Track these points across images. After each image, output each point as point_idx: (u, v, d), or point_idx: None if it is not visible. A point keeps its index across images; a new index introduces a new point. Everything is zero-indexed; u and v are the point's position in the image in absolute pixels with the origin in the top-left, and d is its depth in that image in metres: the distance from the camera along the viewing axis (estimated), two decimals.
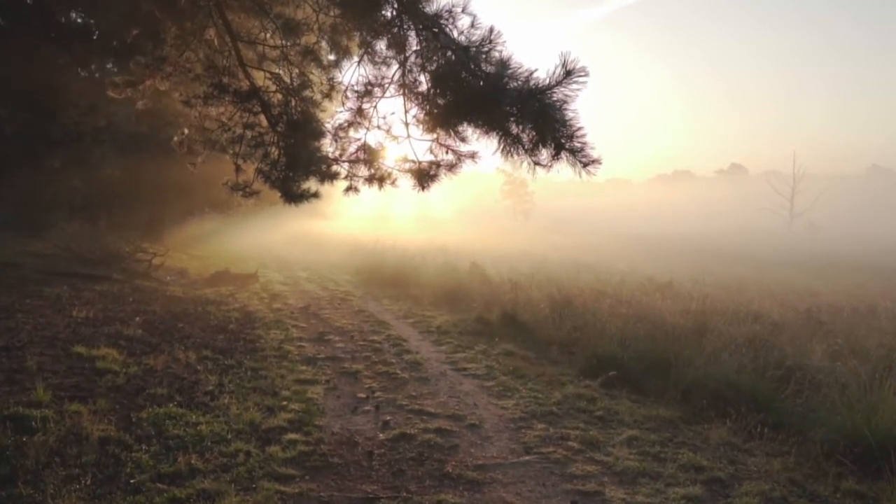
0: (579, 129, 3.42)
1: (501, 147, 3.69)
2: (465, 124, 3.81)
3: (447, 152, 4.92)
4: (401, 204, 56.01)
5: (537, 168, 3.61)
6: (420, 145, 5.10)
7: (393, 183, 5.73)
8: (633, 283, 16.09)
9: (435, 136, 4.72)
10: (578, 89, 3.29)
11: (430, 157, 5.07)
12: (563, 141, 3.37)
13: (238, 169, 6.23)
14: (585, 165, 3.47)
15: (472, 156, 4.90)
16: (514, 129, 3.54)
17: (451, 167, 5.05)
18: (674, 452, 5.01)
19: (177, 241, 22.94)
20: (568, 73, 3.25)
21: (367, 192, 6.73)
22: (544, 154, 3.55)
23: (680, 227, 59.41)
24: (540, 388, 6.80)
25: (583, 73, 3.23)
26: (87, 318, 8.28)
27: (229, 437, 4.87)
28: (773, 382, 7.02)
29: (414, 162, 5.28)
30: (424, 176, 5.10)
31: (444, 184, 5.33)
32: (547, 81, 3.32)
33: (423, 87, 4.39)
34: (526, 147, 3.58)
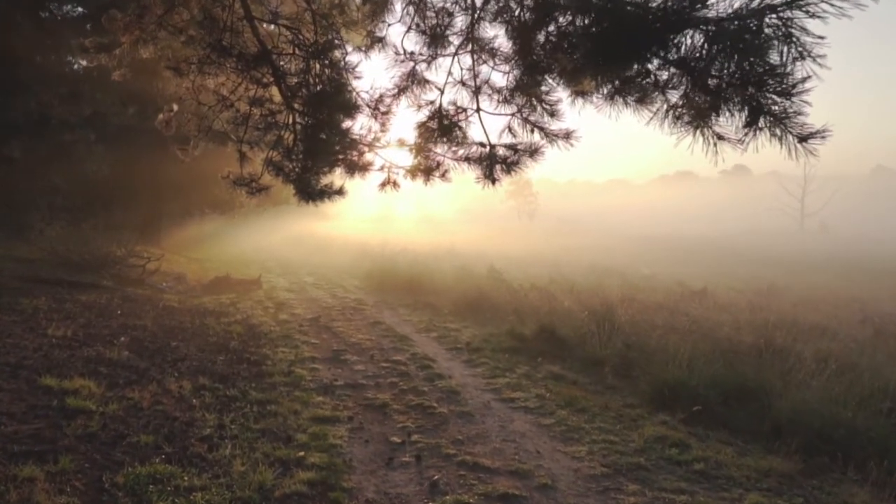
0: (804, 80, 2.10)
1: (663, 113, 2.43)
2: (585, 83, 2.58)
3: (532, 131, 3.64)
4: (403, 204, 54.84)
5: (721, 143, 2.35)
6: (491, 123, 3.79)
7: (443, 175, 4.42)
8: (667, 289, 14.91)
9: (516, 106, 3.48)
10: None
11: (508, 139, 3.77)
12: (763, 101, 2.10)
13: (243, 158, 4.95)
14: (802, 140, 2.19)
15: (567, 136, 3.59)
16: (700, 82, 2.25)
17: (534, 152, 3.76)
18: None
19: (173, 244, 21.68)
20: None
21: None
22: (726, 122, 2.30)
23: (688, 229, 58.17)
24: (611, 428, 5.58)
25: None
26: (64, 338, 7.03)
27: None
28: (889, 418, 5.85)
29: (483, 145, 3.97)
30: (497, 164, 3.81)
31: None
32: None
33: (504, 43, 3.16)
34: (697, 111, 2.34)
